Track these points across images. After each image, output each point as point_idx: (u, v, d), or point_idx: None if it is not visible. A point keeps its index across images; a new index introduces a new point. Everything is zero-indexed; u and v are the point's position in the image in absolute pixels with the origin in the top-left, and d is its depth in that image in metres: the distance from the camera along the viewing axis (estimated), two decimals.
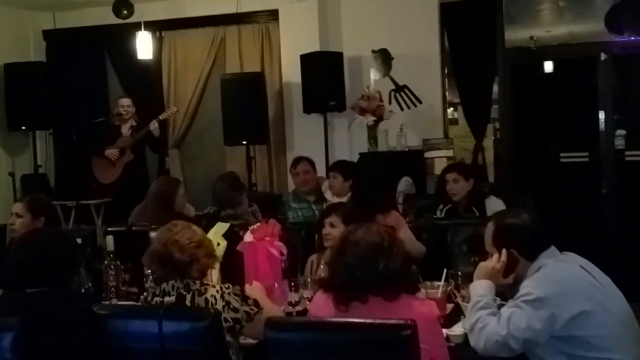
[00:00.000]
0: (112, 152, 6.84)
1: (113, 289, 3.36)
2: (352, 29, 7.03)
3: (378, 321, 2.25)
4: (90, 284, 3.35)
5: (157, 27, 7.33)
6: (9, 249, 3.53)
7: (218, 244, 3.00)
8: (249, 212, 4.97)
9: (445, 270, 3.06)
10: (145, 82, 7.46)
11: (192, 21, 7.32)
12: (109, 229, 4.08)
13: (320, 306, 2.50)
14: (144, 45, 6.45)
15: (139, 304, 2.78)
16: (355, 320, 2.29)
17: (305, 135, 7.00)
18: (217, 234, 3.02)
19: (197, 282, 2.67)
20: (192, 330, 2.32)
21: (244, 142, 6.80)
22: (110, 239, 3.41)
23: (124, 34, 7.09)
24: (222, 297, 2.63)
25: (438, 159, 6.57)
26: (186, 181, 7.28)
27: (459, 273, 3.13)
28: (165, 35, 7.43)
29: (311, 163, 5.66)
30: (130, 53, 6.96)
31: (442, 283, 3.02)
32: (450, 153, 6.64)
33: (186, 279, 2.65)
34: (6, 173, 7.11)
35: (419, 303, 2.47)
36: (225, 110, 6.77)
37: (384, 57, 6.72)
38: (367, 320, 2.26)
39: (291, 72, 6.93)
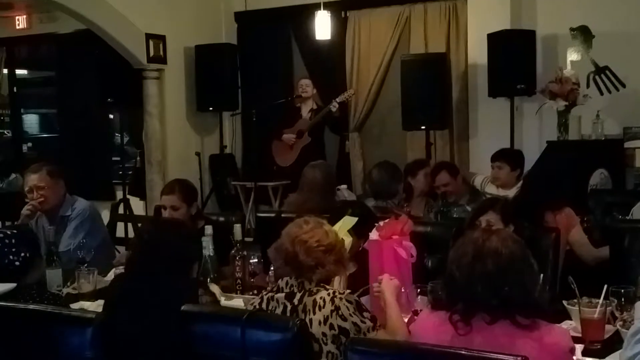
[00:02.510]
0: (288, 137, 6.81)
1: (239, 281, 3.22)
2: (548, 3, 6.40)
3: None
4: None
5: (342, 6, 7.18)
6: None
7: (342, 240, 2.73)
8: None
9: (606, 286, 2.55)
10: (329, 63, 7.34)
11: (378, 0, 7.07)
12: (259, 214, 3.94)
13: (427, 328, 2.14)
14: (322, 25, 6.29)
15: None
16: (466, 352, 1.90)
17: (490, 121, 6.51)
18: (342, 229, 2.76)
19: (313, 282, 2.48)
20: (274, 341, 2.08)
21: (423, 127, 6.45)
22: (238, 227, 3.27)
23: (309, 15, 6.98)
24: (332, 300, 2.39)
25: None
26: (366, 166, 7.10)
27: (623, 290, 2.60)
28: (349, 15, 7.25)
29: (450, 170, 5.21)
30: (315, 34, 6.86)
31: (601, 301, 2.52)
32: None
33: (301, 278, 2.48)
34: (194, 152, 7.34)
35: (547, 330, 2.04)
36: (404, 92, 6.46)
37: (584, 36, 6.05)
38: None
39: (477, 53, 6.46)
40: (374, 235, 2.75)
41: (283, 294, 2.46)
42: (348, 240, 2.75)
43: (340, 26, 7.15)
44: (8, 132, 10.27)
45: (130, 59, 7.13)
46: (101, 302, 2.98)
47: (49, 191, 4.18)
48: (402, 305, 2.58)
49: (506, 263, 2.06)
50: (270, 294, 2.51)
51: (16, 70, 9.75)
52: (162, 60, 7.25)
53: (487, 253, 2.08)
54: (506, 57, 6.13)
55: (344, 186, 4.91)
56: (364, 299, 2.76)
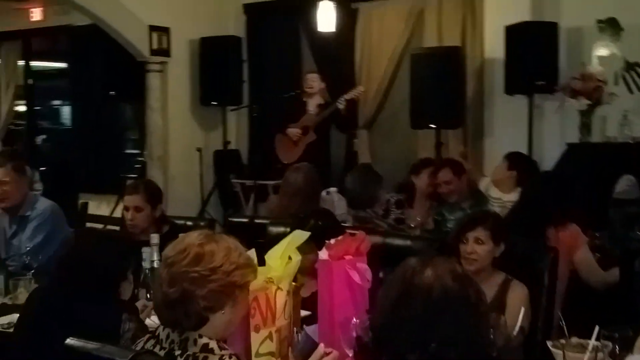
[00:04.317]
0: (293, 131, 6.42)
1: None
2: None
3: None
4: None
5: None
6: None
7: (290, 259, 2.35)
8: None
9: (597, 327, 2.12)
10: (338, 57, 6.95)
11: None
12: (230, 219, 3.59)
13: None
14: (326, 17, 5.92)
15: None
16: None
17: (506, 120, 6.04)
18: (290, 245, 2.36)
19: (200, 341, 1.90)
20: None
21: (433, 126, 6.02)
22: (155, 237, 2.93)
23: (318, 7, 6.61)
24: None
25: None
26: (375, 165, 6.69)
27: (617, 334, 2.16)
28: (360, 7, 6.84)
29: (454, 168, 4.79)
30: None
31: (591, 345, 2.10)
32: None
33: (186, 333, 1.92)
34: (196, 148, 7.03)
35: None
36: (414, 89, 6.03)
37: (612, 29, 5.59)
38: None
39: (494, 47, 5.99)
40: (323, 254, 2.36)
41: (163, 352, 1.93)
42: (297, 259, 2.36)
43: (350, 19, 6.77)
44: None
45: (133, 51, 6.89)
46: None
47: (13, 187, 3.90)
48: (350, 340, 2.18)
49: (437, 306, 1.59)
50: (151, 343, 1.98)
51: (31, 63, 9.58)
52: (166, 52, 6.99)
53: (415, 292, 1.61)
54: (525, 52, 5.68)
55: (333, 189, 4.53)
56: (311, 328, 2.39)
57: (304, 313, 2.61)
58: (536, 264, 2.95)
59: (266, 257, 2.34)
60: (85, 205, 4.44)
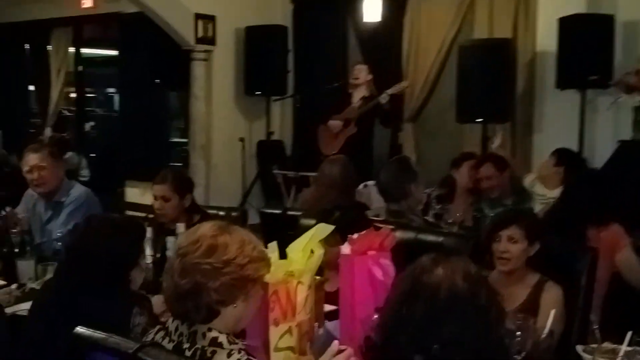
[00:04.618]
0: (334, 124, 6.32)
1: None
2: None
3: None
4: None
5: None
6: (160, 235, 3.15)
7: (312, 252, 2.26)
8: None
9: (630, 333, 1.99)
10: (385, 48, 6.81)
11: None
12: (262, 210, 3.53)
13: None
14: (372, 6, 5.80)
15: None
16: None
17: (557, 115, 5.85)
18: (314, 239, 2.28)
19: (209, 334, 1.83)
20: None
21: (479, 120, 5.85)
22: (180, 226, 2.87)
23: None
24: None
25: None
26: (420, 159, 6.56)
27: None
28: None
29: (497, 163, 4.65)
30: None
31: (623, 348, 1.97)
32: None
33: (195, 326, 1.85)
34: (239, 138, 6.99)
35: None
36: (461, 81, 5.89)
37: None
38: None
39: (547, 39, 5.81)
40: (346, 249, 2.27)
41: (172, 344, 1.87)
42: (319, 253, 2.27)
43: (399, 10, 6.63)
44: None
45: (178, 39, 6.88)
46: None
47: (49, 172, 3.89)
48: None
49: (443, 306, 1.49)
50: (160, 335, 1.93)
51: (82, 49, 9.70)
52: (211, 41, 6.97)
53: (422, 290, 1.52)
54: (579, 45, 5.47)
55: (371, 182, 4.42)
56: (332, 324, 2.31)
57: (329, 307, 2.53)
58: (574, 265, 2.80)
59: (288, 250, 2.26)
60: (122, 192, 4.44)
